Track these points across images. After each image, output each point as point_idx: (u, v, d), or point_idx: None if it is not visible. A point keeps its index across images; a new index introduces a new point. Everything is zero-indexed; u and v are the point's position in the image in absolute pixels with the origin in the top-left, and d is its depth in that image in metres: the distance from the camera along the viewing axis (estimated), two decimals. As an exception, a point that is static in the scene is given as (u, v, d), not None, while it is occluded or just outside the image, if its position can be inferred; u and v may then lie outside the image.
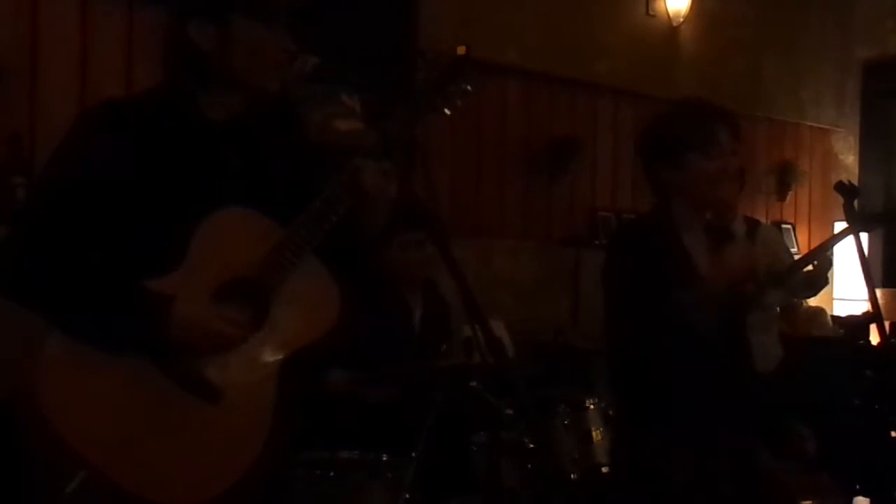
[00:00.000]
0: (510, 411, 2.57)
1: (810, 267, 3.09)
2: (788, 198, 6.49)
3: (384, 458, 2.59)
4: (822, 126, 6.82)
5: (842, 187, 2.39)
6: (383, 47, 4.58)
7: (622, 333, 2.26)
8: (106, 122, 1.67)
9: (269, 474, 1.63)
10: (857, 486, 3.49)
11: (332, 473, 2.51)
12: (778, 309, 5.28)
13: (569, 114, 5.39)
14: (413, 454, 2.57)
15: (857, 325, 4.13)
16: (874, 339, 4.38)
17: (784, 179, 6.45)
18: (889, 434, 3.40)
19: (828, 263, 3.11)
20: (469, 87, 1.70)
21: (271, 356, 1.62)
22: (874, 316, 2.51)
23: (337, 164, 1.71)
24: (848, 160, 6.86)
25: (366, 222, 1.71)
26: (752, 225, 2.49)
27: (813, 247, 3.38)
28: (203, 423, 1.59)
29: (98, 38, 3.72)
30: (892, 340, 3.50)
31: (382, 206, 1.70)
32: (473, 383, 2.52)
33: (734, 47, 6.18)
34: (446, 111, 1.70)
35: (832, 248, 2.51)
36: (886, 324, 2.68)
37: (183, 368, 1.59)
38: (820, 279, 3.40)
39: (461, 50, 1.70)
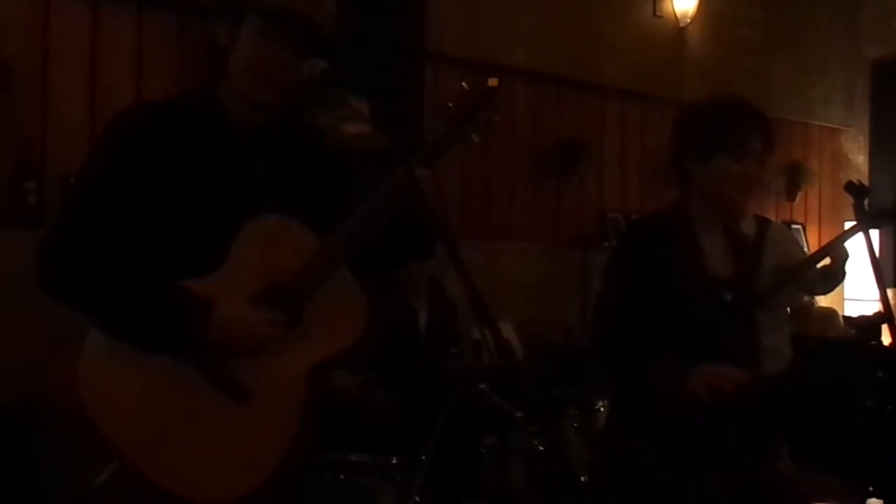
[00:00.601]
0: (519, 414, 2.57)
1: (826, 261, 3.08)
2: (798, 198, 6.47)
3: (394, 461, 2.60)
4: (831, 126, 6.79)
5: (852, 187, 2.38)
6: (391, 50, 4.59)
7: (612, 331, 2.26)
8: (140, 123, 1.70)
9: (291, 476, 1.67)
10: (871, 489, 3.47)
11: (342, 476, 2.51)
12: (788, 309, 5.27)
13: (577, 115, 5.38)
14: (423, 457, 2.57)
15: (868, 326, 4.10)
16: (886, 339, 4.35)
17: (794, 180, 6.43)
18: (901, 435, 3.38)
19: (844, 256, 3.09)
20: (496, 117, 1.78)
21: (300, 363, 1.67)
22: (886, 316, 2.49)
23: (357, 172, 1.74)
24: (858, 160, 6.83)
25: (413, 215, 1.73)
26: (763, 224, 2.48)
27: (843, 273, 3.35)
28: (232, 422, 1.63)
29: (108, 43, 3.73)
30: (904, 341, 3.47)
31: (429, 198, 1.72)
32: (482, 386, 2.52)
33: (742, 48, 6.17)
34: (475, 138, 1.76)
35: (844, 242, 2.49)
36: (898, 324, 2.66)
37: (217, 368, 1.62)
38: (837, 273, 3.38)
39: (493, 82, 1.78)
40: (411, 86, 4.70)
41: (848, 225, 6.85)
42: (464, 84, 1.78)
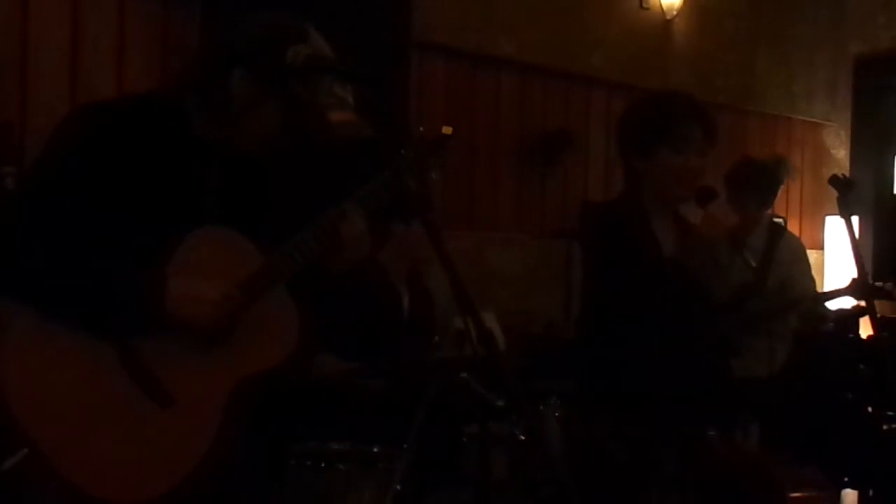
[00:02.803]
0: (500, 403, 2.58)
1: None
2: (780, 192, 6.50)
3: (375, 450, 2.59)
4: (813, 120, 6.83)
5: (836, 181, 2.40)
6: (377, 39, 4.56)
7: (592, 312, 2.29)
8: (93, 125, 1.67)
9: (209, 486, 1.63)
10: (846, 479, 3.51)
11: (323, 465, 2.51)
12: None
13: (562, 106, 5.39)
14: (404, 446, 2.57)
15: (848, 319, 4.15)
16: (865, 332, 4.39)
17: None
18: (880, 428, 3.42)
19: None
20: (443, 162, 1.82)
21: (225, 376, 1.65)
22: (865, 310, 2.52)
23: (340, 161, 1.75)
24: (839, 154, 6.88)
25: (329, 268, 1.76)
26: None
27: (803, 241, 3.40)
28: (149, 426, 1.62)
29: (89, 27, 3.70)
30: (884, 334, 3.51)
31: (352, 258, 1.75)
32: (464, 375, 2.53)
33: (727, 41, 6.19)
34: (412, 185, 1.75)
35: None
36: (877, 317, 2.69)
37: (143, 368, 1.61)
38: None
39: (447, 130, 1.81)
40: (397, 74, 4.68)
41: (829, 219, 6.87)
42: (421, 129, 1.80)
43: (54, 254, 1.60)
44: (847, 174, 5.15)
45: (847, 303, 5.89)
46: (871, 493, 3.41)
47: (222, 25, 1.88)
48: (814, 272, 4.44)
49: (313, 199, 1.80)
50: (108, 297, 1.60)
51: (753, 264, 2.37)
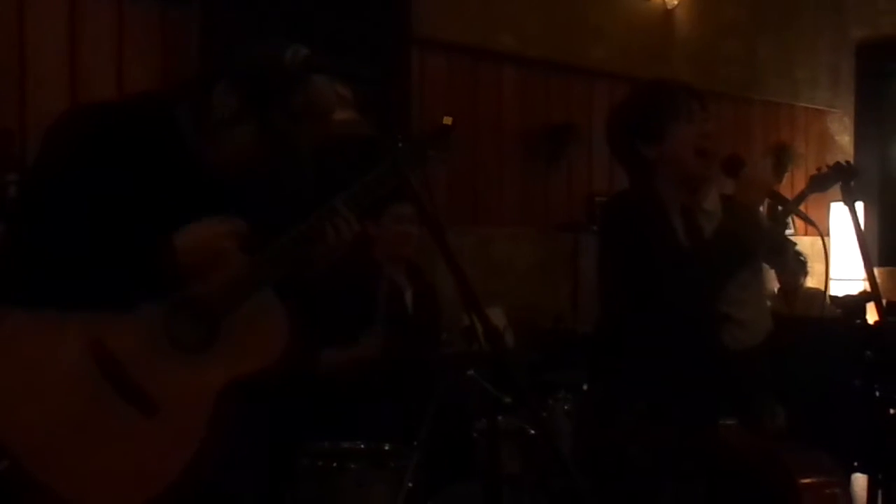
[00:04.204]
0: (508, 399, 2.59)
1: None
2: (785, 179, 6.50)
3: (386, 448, 2.60)
4: (816, 107, 6.82)
5: (840, 168, 2.40)
6: (376, 36, 4.57)
7: (614, 308, 2.28)
8: (86, 128, 1.67)
9: (200, 490, 1.62)
10: (856, 464, 3.50)
11: (334, 464, 2.52)
12: (776, 288, 5.31)
13: (565, 99, 5.38)
14: (415, 443, 2.58)
15: (854, 305, 4.14)
16: (872, 318, 4.38)
17: (780, 161, 6.47)
18: (888, 412, 3.42)
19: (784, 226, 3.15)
20: (446, 155, 1.76)
21: (211, 381, 1.63)
22: (872, 295, 2.52)
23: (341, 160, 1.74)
24: (843, 141, 6.87)
25: (311, 264, 1.74)
26: (726, 200, 2.51)
27: (807, 224, 3.39)
28: (132, 433, 1.60)
29: (87, 32, 3.70)
30: (890, 319, 3.50)
31: (332, 255, 1.73)
32: (471, 372, 2.53)
33: (729, 30, 6.18)
34: (416, 176, 1.75)
35: (801, 202, 2.54)
36: (884, 302, 2.69)
37: (121, 375, 1.60)
38: (785, 244, 3.42)
39: (447, 121, 1.77)
40: (398, 71, 4.69)
41: (834, 206, 6.88)
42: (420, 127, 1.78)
43: (58, 249, 1.59)
44: (851, 160, 5.13)
45: (853, 289, 5.88)
46: (880, 477, 3.41)
47: (223, 38, 1.87)
48: (819, 258, 4.44)
49: (310, 200, 1.79)
50: (121, 269, 1.59)
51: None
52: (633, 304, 2.20)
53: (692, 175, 2.26)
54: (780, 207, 2.38)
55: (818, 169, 2.53)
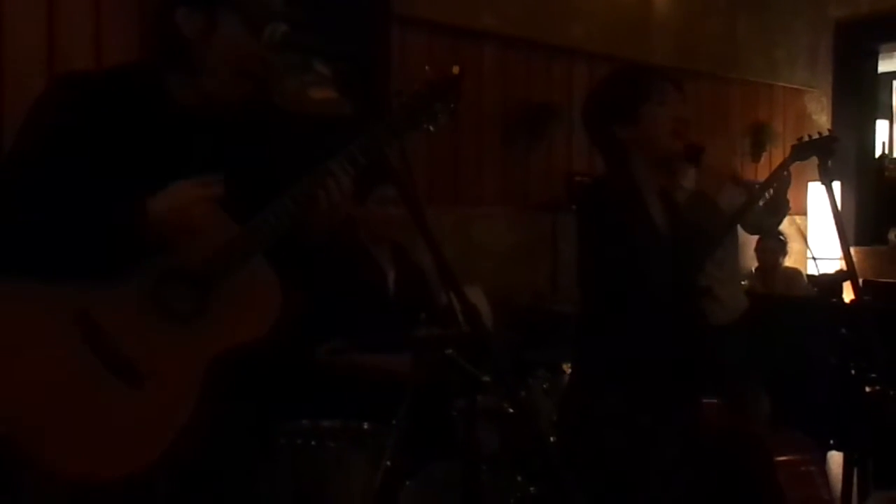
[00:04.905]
0: (486, 378, 2.59)
1: (767, 196, 3.16)
2: (763, 158, 6.53)
3: (365, 427, 2.61)
4: (795, 86, 6.85)
5: (823, 139, 2.43)
6: (357, 14, 4.53)
7: (592, 292, 2.29)
8: (74, 95, 1.65)
9: (188, 460, 1.61)
10: (831, 442, 3.55)
11: (313, 442, 2.52)
12: (754, 269, 5.35)
13: (545, 79, 5.37)
14: (394, 422, 2.58)
15: (830, 284, 4.19)
16: (848, 297, 4.43)
17: (758, 140, 6.49)
18: (863, 390, 3.46)
19: (785, 185, 3.18)
20: (454, 107, 1.72)
21: (201, 351, 1.62)
22: (848, 274, 2.54)
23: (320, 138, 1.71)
24: (821, 120, 6.90)
25: (309, 230, 1.72)
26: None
27: (786, 202, 3.44)
28: (120, 405, 1.58)
29: (66, 5, 3.65)
30: (866, 298, 3.54)
31: (330, 220, 1.71)
32: (449, 351, 2.54)
33: (707, 8, 6.18)
34: (430, 128, 1.70)
35: (785, 170, 2.56)
36: (860, 281, 2.72)
37: (107, 346, 1.58)
38: (781, 203, 3.46)
39: (455, 70, 1.71)
40: (378, 50, 4.65)
41: (812, 185, 6.92)
42: (427, 68, 1.71)
43: (37, 213, 1.58)
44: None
45: (830, 267, 5.94)
46: (855, 455, 3.46)
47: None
48: (797, 238, 4.48)
49: (297, 167, 1.76)
50: (93, 230, 1.57)
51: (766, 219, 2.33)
52: (609, 288, 2.22)
53: (667, 156, 2.28)
54: (757, 185, 2.41)
55: (799, 139, 2.56)
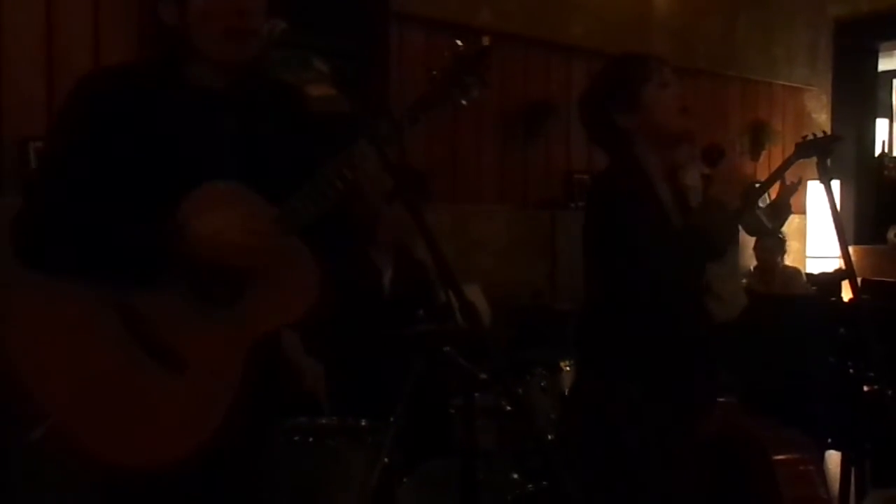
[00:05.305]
0: (484, 375, 2.59)
1: (769, 199, 3.17)
2: (762, 157, 6.53)
3: (363, 424, 2.61)
4: (794, 85, 6.84)
5: (826, 138, 2.43)
6: (354, 11, 4.52)
7: (604, 288, 2.27)
8: (103, 87, 1.66)
9: (228, 449, 1.61)
10: (829, 441, 3.55)
11: (311, 439, 2.52)
12: (752, 267, 5.34)
13: (543, 76, 5.36)
14: (391, 419, 2.58)
15: (829, 283, 4.20)
16: (846, 296, 4.44)
17: (757, 138, 6.49)
18: (861, 389, 3.46)
19: (791, 191, 3.20)
20: (486, 79, 1.68)
21: (241, 336, 1.62)
22: (846, 273, 2.54)
23: (331, 138, 1.70)
24: (820, 118, 6.90)
25: (356, 211, 1.72)
26: (706, 180, 2.52)
27: (788, 207, 3.45)
28: (165, 391, 1.59)
29: (64, 5, 3.65)
30: (864, 297, 3.54)
31: (373, 199, 1.70)
32: (447, 348, 2.54)
33: (707, 6, 6.17)
34: (463, 102, 1.69)
35: (787, 169, 2.56)
36: (858, 280, 2.72)
37: (149, 333, 1.59)
38: (783, 207, 3.47)
39: (486, 41, 1.68)
40: (376, 46, 4.65)
41: (811, 183, 6.91)
42: (458, 42, 1.67)
43: (77, 221, 1.59)
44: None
45: (830, 266, 5.94)
46: (853, 454, 3.46)
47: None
48: (796, 236, 4.48)
49: (323, 142, 1.75)
50: (133, 249, 1.58)
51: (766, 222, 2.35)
52: (623, 281, 2.19)
53: (675, 134, 2.25)
54: (756, 185, 2.40)
55: (803, 137, 2.55)
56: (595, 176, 2.43)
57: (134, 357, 1.58)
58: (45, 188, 1.64)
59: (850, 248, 2.71)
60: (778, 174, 2.48)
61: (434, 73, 1.67)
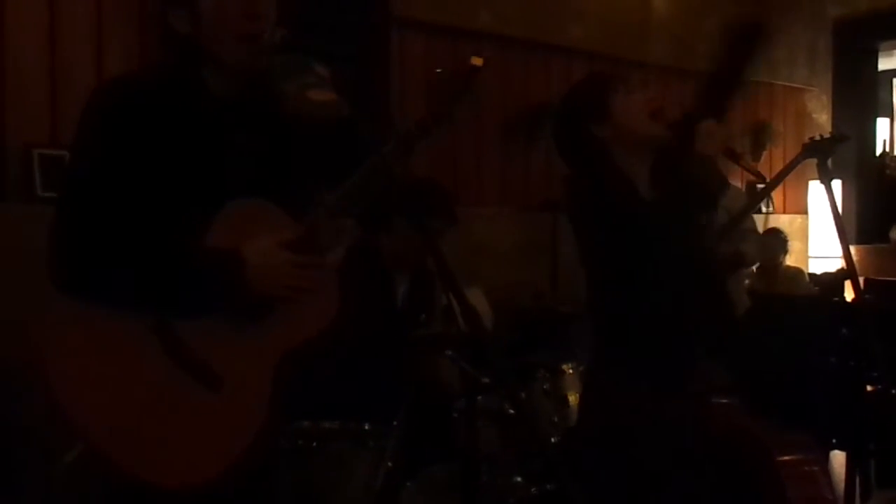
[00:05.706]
0: (486, 379, 2.59)
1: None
2: (763, 157, 6.52)
3: (366, 427, 2.61)
4: (794, 85, 6.84)
5: (834, 137, 2.43)
6: (355, 15, 4.53)
7: (602, 287, 2.28)
8: (121, 99, 1.66)
9: (259, 463, 1.64)
10: (833, 441, 3.55)
11: (314, 443, 2.52)
12: (754, 269, 5.34)
13: (544, 79, 5.37)
14: (395, 423, 2.58)
15: (831, 283, 4.19)
16: (849, 295, 4.43)
17: (758, 139, 6.49)
18: (864, 389, 3.46)
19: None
20: (474, 102, 1.75)
21: (271, 350, 1.65)
22: (848, 273, 2.54)
23: (321, 140, 1.72)
24: (821, 119, 6.90)
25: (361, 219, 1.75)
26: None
27: (787, 205, 3.45)
28: (200, 408, 1.60)
29: (67, 11, 3.65)
30: (867, 297, 3.54)
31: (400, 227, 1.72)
32: (449, 353, 2.54)
33: (706, 7, 6.17)
34: (451, 121, 1.74)
35: (794, 169, 2.58)
36: (860, 280, 2.71)
37: (185, 351, 1.60)
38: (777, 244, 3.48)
39: (477, 61, 1.74)
40: (376, 51, 4.65)
41: (812, 184, 6.93)
42: (438, 71, 1.75)
43: (120, 257, 1.59)
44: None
45: (832, 267, 5.93)
46: (858, 454, 3.46)
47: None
48: (798, 237, 4.49)
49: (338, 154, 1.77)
50: (190, 285, 1.59)
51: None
52: (615, 269, 2.21)
53: (648, 139, 2.28)
54: (758, 186, 2.41)
55: (811, 138, 2.57)
56: (566, 182, 2.45)
57: (172, 375, 1.59)
58: (79, 215, 1.61)
59: (853, 248, 2.72)
60: (784, 174, 2.49)
61: (435, 97, 1.73)
